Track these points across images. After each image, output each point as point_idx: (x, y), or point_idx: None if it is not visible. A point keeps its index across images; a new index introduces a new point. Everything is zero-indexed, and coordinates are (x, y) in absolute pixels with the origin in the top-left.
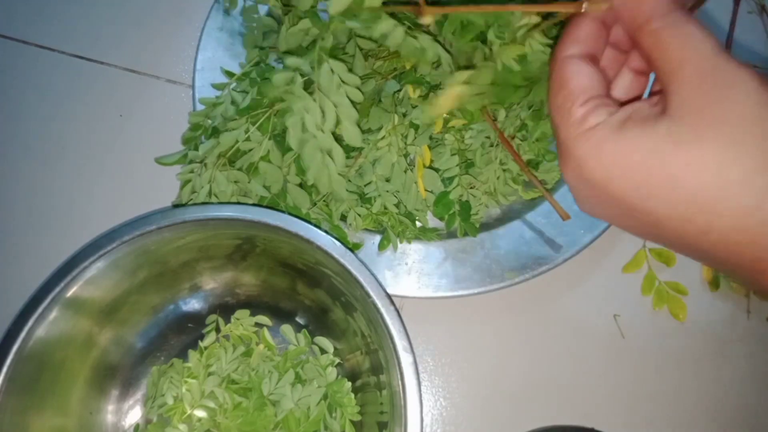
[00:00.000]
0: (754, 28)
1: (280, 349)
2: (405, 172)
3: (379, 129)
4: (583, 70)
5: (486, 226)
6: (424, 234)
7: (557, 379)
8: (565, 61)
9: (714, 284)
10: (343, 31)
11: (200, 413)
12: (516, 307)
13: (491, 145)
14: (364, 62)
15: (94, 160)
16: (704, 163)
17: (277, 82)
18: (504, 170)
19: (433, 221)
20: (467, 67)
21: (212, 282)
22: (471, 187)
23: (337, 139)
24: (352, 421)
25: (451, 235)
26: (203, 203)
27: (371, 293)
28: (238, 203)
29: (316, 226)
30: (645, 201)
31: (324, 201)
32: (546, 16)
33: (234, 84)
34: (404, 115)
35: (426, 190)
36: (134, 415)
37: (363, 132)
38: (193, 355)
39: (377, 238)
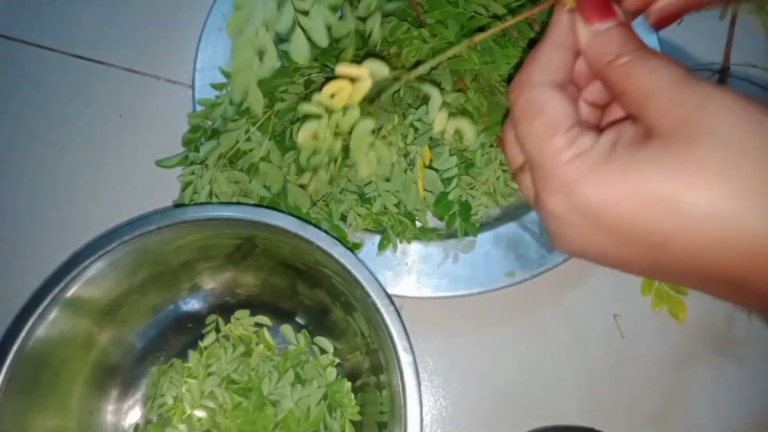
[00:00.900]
0: (754, 28)
1: (280, 349)
2: (405, 172)
3: (379, 129)
4: (557, 97)
5: (486, 226)
6: (424, 234)
7: (557, 379)
8: (536, 87)
9: None
10: None
11: (200, 413)
12: (516, 307)
13: (491, 146)
14: None
15: (94, 160)
16: (706, 175)
17: None
18: (504, 170)
19: (433, 221)
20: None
21: (212, 282)
22: (471, 188)
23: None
24: (351, 421)
25: (451, 235)
26: (203, 203)
27: (371, 293)
28: (238, 203)
29: (316, 226)
30: (649, 220)
31: (324, 201)
32: None
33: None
34: (404, 115)
35: (426, 190)
36: (134, 415)
37: None
38: (192, 355)
39: (377, 238)
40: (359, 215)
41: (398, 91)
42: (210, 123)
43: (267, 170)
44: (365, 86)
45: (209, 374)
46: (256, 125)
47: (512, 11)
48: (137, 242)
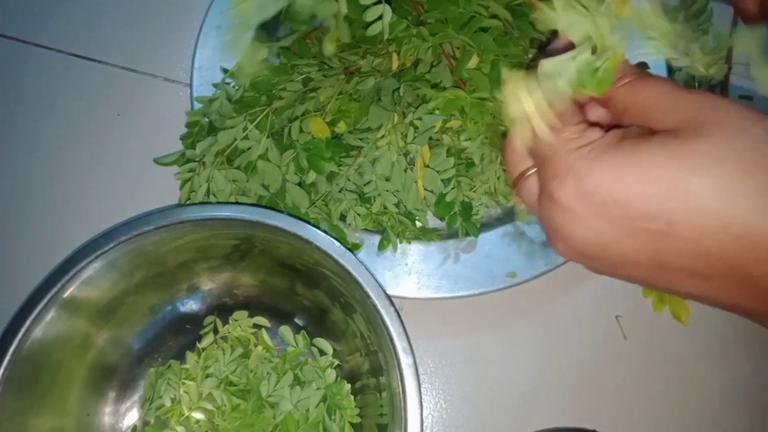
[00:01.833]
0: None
1: (279, 350)
2: (405, 171)
3: (379, 128)
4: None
5: (486, 227)
6: (424, 234)
7: (559, 380)
8: None
9: None
10: None
11: (198, 415)
12: (517, 308)
13: (490, 143)
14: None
15: (91, 160)
16: (715, 165)
17: None
18: (504, 170)
19: (433, 221)
20: None
21: (210, 283)
22: (471, 189)
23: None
24: (351, 424)
25: (451, 235)
26: (201, 203)
27: (371, 294)
28: (237, 203)
29: (315, 226)
30: (657, 203)
31: (323, 200)
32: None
33: (230, 81)
34: (404, 114)
35: (426, 189)
36: (132, 416)
37: (362, 131)
38: (190, 356)
39: (377, 238)
40: (359, 215)
41: (398, 89)
42: (207, 119)
43: (265, 169)
44: None
45: (207, 376)
46: (254, 123)
47: (512, 10)
48: (135, 242)
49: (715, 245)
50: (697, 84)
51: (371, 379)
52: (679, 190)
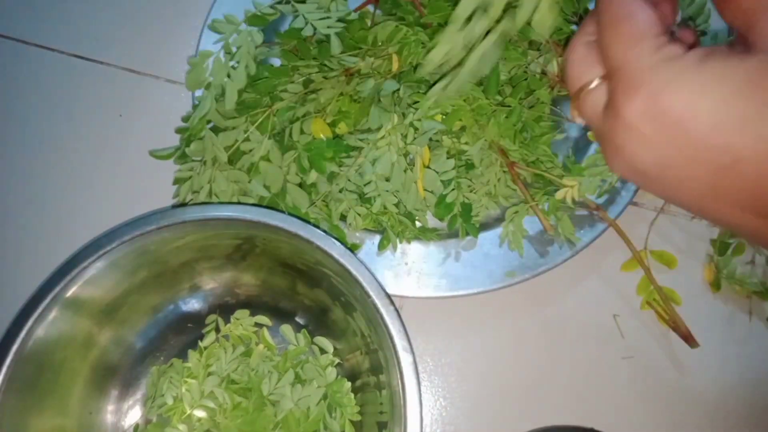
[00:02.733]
0: None
1: (280, 349)
2: (405, 171)
3: (379, 128)
4: (646, 5)
5: (486, 226)
6: (424, 234)
7: (557, 379)
8: None
9: (715, 285)
10: None
11: (200, 413)
12: (516, 307)
13: (490, 147)
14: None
15: (93, 160)
16: None
17: None
18: (504, 172)
19: (433, 221)
20: None
21: (212, 282)
22: (471, 190)
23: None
24: (351, 421)
25: (450, 235)
26: (203, 203)
27: (371, 293)
28: (238, 203)
29: (315, 226)
30: (730, 136)
31: (324, 201)
32: None
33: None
34: (404, 115)
35: (426, 190)
36: (134, 415)
37: (363, 132)
38: (192, 355)
39: (377, 238)
40: (359, 215)
41: (398, 90)
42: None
43: (267, 169)
44: None
45: (209, 374)
46: (256, 124)
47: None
48: (137, 242)
49: None
50: None
51: (371, 378)
52: (752, 129)
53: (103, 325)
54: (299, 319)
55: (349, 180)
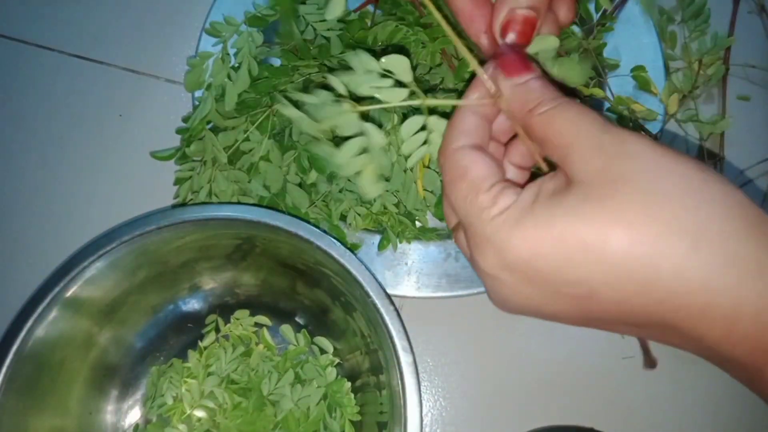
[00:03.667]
0: (754, 28)
1: (280, 349)
2: (405, 171)
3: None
4: (477, 157)
5: None
6: (424, 234)
7: (557, 378)
8: (457, 151)
9: None
10: None
11: (200, 413)
12: None
13: None
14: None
15: (93, 160)
16: (627, 220)
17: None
18: None
19: (432, 221)
20: None
21: (212, 282)
22: None
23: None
24: (351, 421)
25: (450, 235)
26: (203, 203)
27: (371, 293)
28: (238, 203)
29: (315, 226)
30: (576, 270)
31: (323, 201)
32: None
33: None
34: (404, 114)
35: (426, 190)
36: (134, 415)
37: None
38: (192, 355)
39: (377, 238)
40: (359, 215)
41: None
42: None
43: (267, 169)
44: None
45: (209, 374)
46: (255, 124)
47: None
48: (137, 242)
49: (640, 306)
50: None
51: (371, 378)
52: (594, 257)
53: (103, 325)
54: (299, 319)
55: (349, 180)
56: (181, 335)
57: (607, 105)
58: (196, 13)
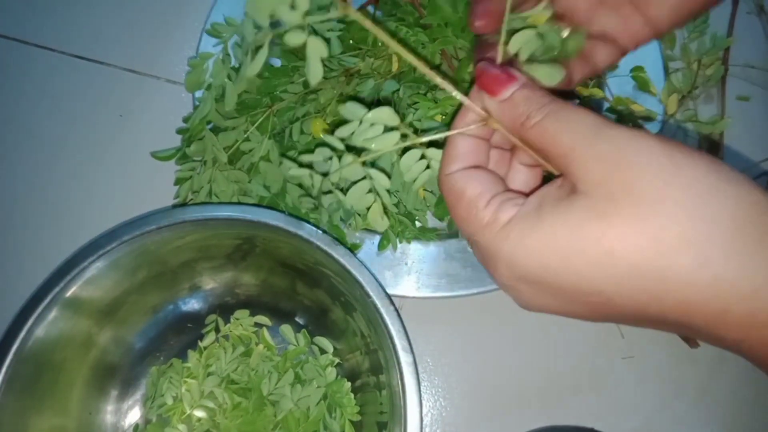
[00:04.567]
0: (753, 28)
1: (280, 349)
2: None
3: None
4: (472, 177)
5: None
6: (424, 234)
7: (557, 379)
8: (450, 177)
9: None
10: None
11: (199, 413)
12: (516, 307)
13: None
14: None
15: (93, 160)
16: (633, 231)
17: None
18: None
19: (433, 221)
20: None
21: (212, 282)
22: None
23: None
24: (351, 422)
25: (451, 235)
26: (203, 203)
27: (371, 293)
28: (238, 203)
29: (315, 226)
30: (589, 282)
31: None
32: None
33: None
34: (404, 115)
35: (426, 190)
36: (134, 415)
37: None
38: (192, 355)
39: (377, 238)
40: (359, 215)
41: (398, 91)
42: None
43: (267, 170)
44: None
45: (209, 374)
46: (255, 124)
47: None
48: (137, 242)
49: (654, 311)
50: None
51: (371, 378)
52: (603, 271)
53: (103, 325)
54: (299, 319)
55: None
56: (180, 335)
57: (606, 105)
58: (196, 13)
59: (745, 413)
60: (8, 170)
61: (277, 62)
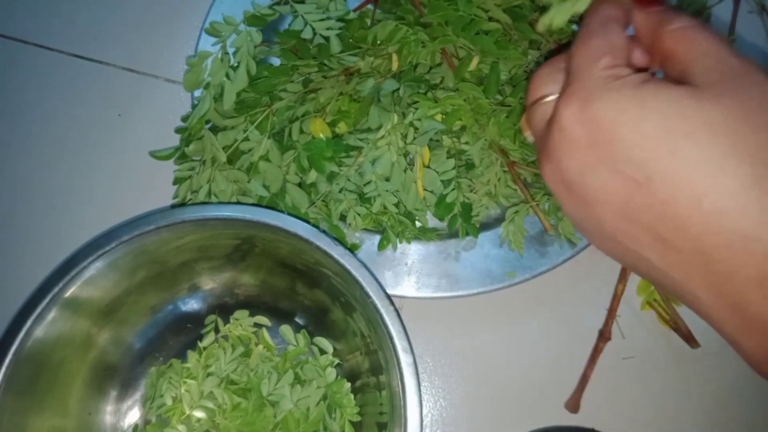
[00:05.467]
0: (754, 27)
1: (280, 349)
2: (405, 171)
3: (379, 128)
4: (622, 35)
5: (486, 226)
6: (424, 234)
7: (557, 379)
8: (610, 17)
9: None
10: None
11: (199, 414)
12: (516, 307)
13: (490, 147)
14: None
15: (92, 160)
16: (712, 136)
17: None
18: (505, 172)
19: (433, 221)
20: None
21: (211, 282)
22: (471, 190)
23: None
24: (351, 422)
25: (451, 235)
26: (202, 203)
27: (371, 293)
28: (237, 203)
29: (315, 226)
30: (648, 152)
31: (323, 200)
32: None
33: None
34: (404, 114)
35: (426, 190)
36: (133, 415)
37: (362, 131)
38: (192, 355)
39: (377, 238)
40: (359, 215)
41: (398, 90)
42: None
43: (266, 169)
44: None
45: (208, 375)
46: (255, 124)
47: (511, 13)
48: (136, 242)
49: (683, 214)
50: None
51: (371, 378)
52: (667, 148)
53: (102, 325)
54: (299, 320)
55: (348, 180)
56: (180, 335)
57: None
58: (195, 12)
59: (746, 413)
60: (7, 170)
61: (277, 61)
